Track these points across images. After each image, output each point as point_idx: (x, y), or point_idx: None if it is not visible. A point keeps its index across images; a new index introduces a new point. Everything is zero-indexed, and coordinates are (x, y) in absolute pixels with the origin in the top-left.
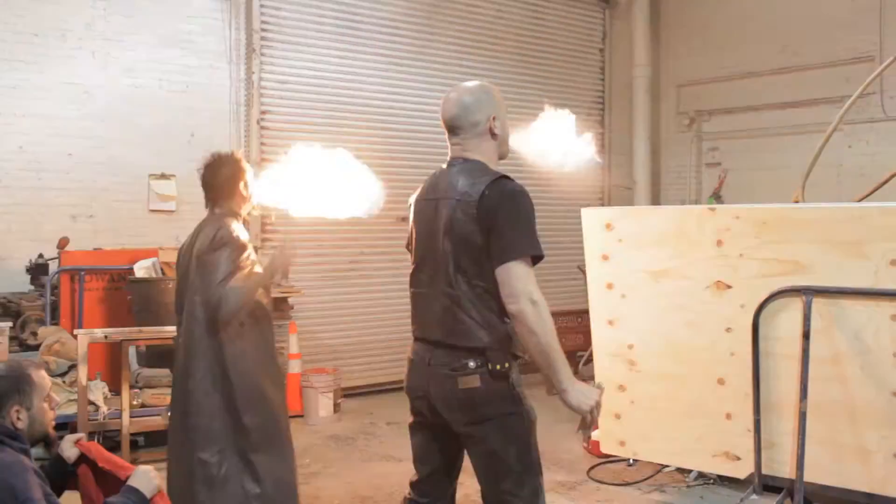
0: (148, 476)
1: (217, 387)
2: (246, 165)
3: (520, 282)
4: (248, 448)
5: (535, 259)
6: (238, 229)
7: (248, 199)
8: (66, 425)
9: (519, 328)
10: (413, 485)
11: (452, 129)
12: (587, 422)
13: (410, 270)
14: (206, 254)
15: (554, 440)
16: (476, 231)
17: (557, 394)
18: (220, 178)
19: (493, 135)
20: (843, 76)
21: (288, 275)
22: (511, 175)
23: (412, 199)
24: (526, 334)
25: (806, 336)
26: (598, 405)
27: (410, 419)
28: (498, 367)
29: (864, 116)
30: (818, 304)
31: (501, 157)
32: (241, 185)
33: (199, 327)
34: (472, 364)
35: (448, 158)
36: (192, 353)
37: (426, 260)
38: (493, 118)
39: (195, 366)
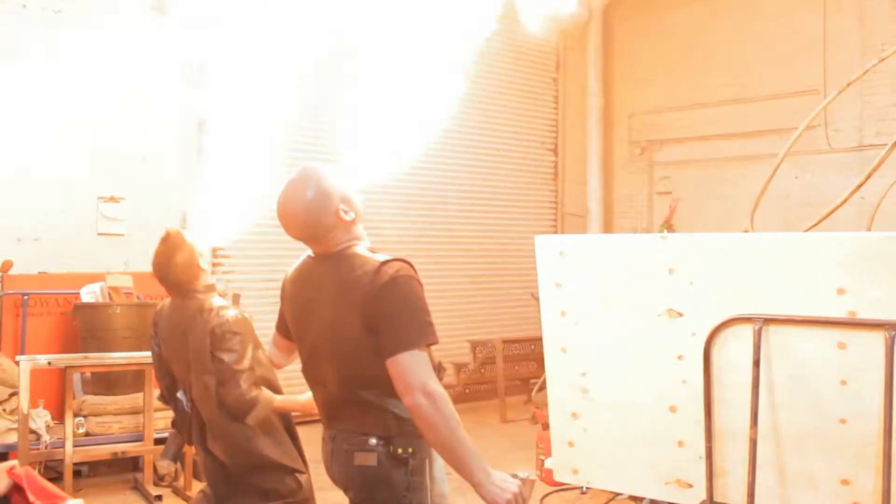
0: None
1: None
2: (191, 238)
3: (412, 374)
4: None
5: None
6: (230, 310)
7: (207, 270)
8: (6, 455)
9: (417, 423)
10: None
11: (306, 241)
12: None
13: (301, 364)
14: (216, 349)
15: (505, 468)
16: (363, 330)
17: (473, 488)
18: (178, 269)
19: (348, 221)
20: (790, 108)
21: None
22: (466, 202)
23: (285, 281)
24: (425, 429)
25: (756, 363)
26: (520, 497)
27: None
28: (399, 450)
29: (810, 148)
30: (768, 331)
31: (361, 222)
32: (200, 260)
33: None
34: (372, 441)
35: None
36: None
37: (313, 359)
38: (340, 209)
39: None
